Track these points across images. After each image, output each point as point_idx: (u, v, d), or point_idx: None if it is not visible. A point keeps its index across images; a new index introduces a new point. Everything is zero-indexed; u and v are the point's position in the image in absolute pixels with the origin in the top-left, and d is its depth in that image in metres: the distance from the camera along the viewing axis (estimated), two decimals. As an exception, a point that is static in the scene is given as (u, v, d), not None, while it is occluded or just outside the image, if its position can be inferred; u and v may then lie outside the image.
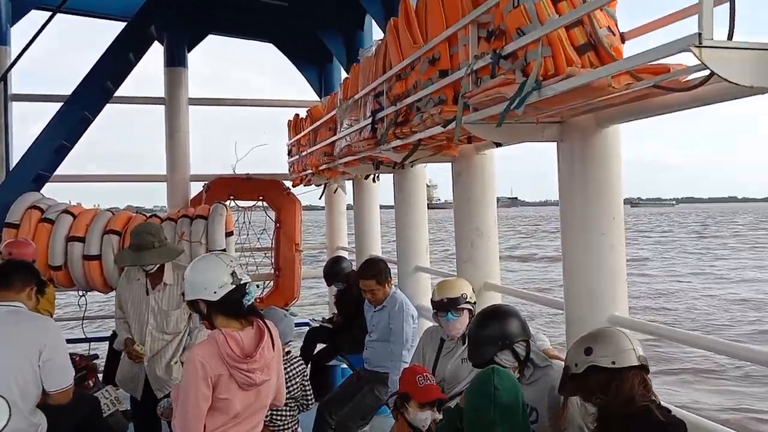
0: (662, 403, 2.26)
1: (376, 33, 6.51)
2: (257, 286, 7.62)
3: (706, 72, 1.61)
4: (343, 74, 7.57)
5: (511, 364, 2.80)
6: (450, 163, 4.17)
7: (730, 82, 1.49)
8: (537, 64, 2.14)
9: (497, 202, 4.34)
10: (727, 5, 1.72)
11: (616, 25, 2.27)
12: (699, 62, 1.51)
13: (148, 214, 6.23)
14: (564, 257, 2.93)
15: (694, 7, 1.84)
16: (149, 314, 4.00)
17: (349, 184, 7.12)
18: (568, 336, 2.93)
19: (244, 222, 8.05)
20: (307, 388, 3.79)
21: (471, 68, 2.58)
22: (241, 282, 2.61)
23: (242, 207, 8.14)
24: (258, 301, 7.64)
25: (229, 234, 6.02)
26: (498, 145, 3.42)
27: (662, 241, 45.62)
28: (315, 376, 5.44)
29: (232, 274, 2.60)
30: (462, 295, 3.55)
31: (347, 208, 8.14)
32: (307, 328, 6.46)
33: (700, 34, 1.47)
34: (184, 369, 2.61)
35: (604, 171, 2.76)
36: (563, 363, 3.00)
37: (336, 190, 7.61)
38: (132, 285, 4.13)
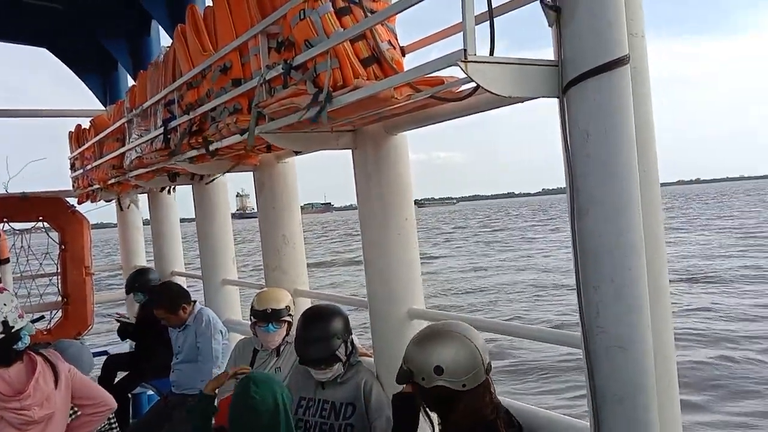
0: (501, 400, 2.25)
1: (165, 39, 6.22)
2: (43, 317, 6.88)
3: (474, 84, 1.79)
4: (130, 82, 7.11)
5: (343, 357, 2.88)
6: (252, 173, 4.14)
7: (491, 92, 1.69)
8: (327, 76, 2.22)
9: (311, 207, 4.39)
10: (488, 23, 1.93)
11: (397, 39, 2.44)
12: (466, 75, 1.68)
13: None
14: (365, 258, 3.06)
15: (460, 24, 2.05)
16: None
17: (144, 198, 6.71)
18: (373, 332, 3.07)
19: (21, 246, 7.18)
20: (112, 420, 3.52)
21: (263, 78, 2.59)
22: (13, 330, 2.36)
23: (18, 230, 7.26)
24: (45, 332, 6.93)
25: (4, 261, 5.36)
26: (297, 153, 3.47)
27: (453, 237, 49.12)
28: (118, 406, 5.04)
29: (3, 322, 2.34)
30: (286, 307, 3.56)
31: (144, 224, 7.65)
32: (105, 357, 5.97)
33: (465, 50, 1.64)
34: None
35: (395, 175, 2.94)
36: (370, 359, 3.15)
37: (129, 205, 7.12)
38: None
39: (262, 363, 3.67)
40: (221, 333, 4.37)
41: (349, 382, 2.92)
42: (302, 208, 4.38)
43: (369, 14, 2.28)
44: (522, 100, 1.89)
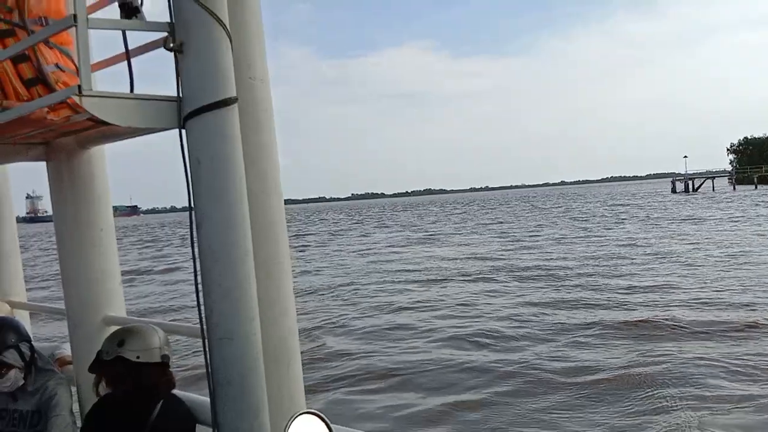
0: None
1: None
2: None
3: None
4: None
5: (19, 363, 2.91)
6: None
7: (108, 123, 1.95)
8: (-16, 95, 2.32)
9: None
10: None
11: (73, 61, 2.59)
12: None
13: None
14: (61, 267, 3.14)
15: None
16: None
17: None
18: (72, 340, 3.17)
19: None
20: None
21: (-69, 90, 2.58)
22: None
23: None
24: None
25: None
26: (-4, 162, 3.43)
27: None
28: None
29: None
30: None
31: None
32: None
33: (80, 86, 1.87)
34: None
35: (91, 187, 3.07)
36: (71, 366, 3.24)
37: None
38: None
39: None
40: None
41: (40, 391, 2.98)
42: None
43: (33, 38, 2.41)
44: (146, 131, 2.17)
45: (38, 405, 2.93)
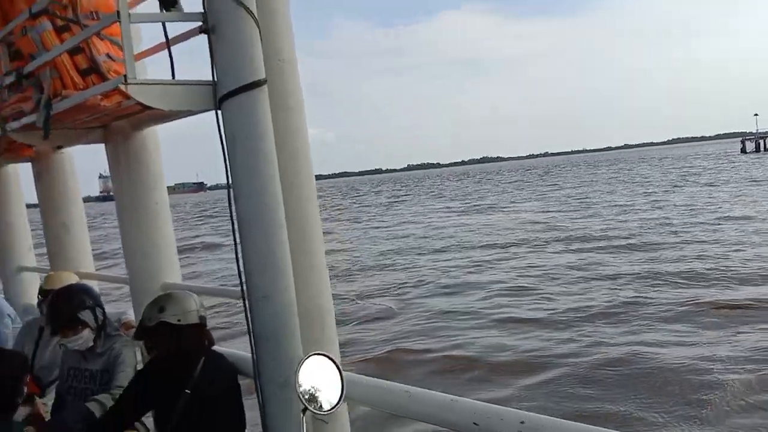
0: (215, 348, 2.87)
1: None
2: None
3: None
4: None
5: (92, 324, 3.20)
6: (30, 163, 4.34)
7: (152, 107, 2.17)
8: (47, 85, 2.59)
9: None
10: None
11: (123, 51, 2.83)
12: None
13: None
14: (123, 239, 3.45)
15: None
16: None
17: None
18: (134, 305, 3.49)
19: None
20: None
21: (2, 83, 2.89)
22: None
23: None
24: None
25: None
26: (59, 147, 3.75)
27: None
28: None
29: None
30: None
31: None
32: None
33: (125, 76, 2.10)
34: None
35: (145, 165, 3.34)
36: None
37: None
38: None
39: (47, 339, 3.94)
40: (10, 317, 4.53)
41: (107, 353, 3.30)
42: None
43: (86, 31, 2.66)
44: (187, 113, 2.39)
45: (106, 365, 3.25)
